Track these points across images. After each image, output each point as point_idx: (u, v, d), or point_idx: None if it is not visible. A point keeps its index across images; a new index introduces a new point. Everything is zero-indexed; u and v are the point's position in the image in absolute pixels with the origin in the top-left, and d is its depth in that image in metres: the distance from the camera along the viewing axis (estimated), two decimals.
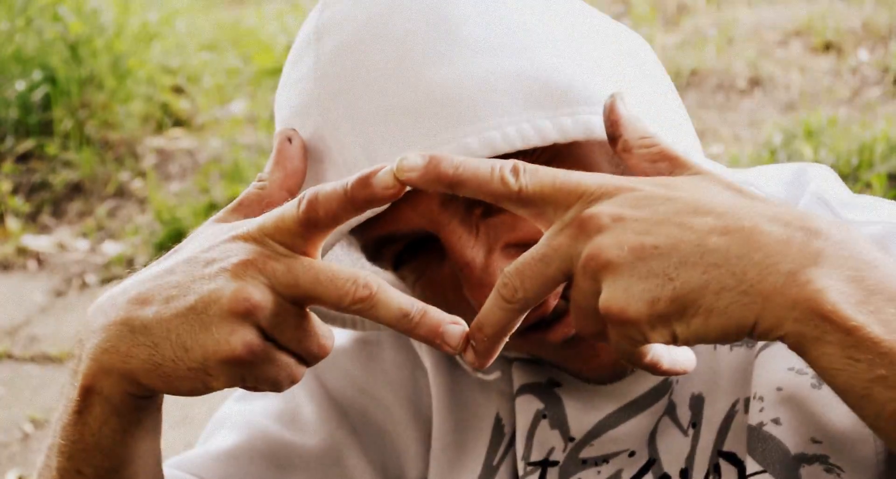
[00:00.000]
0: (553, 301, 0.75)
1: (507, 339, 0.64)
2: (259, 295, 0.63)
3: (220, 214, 0.73)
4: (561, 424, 0.83)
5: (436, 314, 0.63)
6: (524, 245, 0.69)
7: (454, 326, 0.63)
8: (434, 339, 0.63)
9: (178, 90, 4.45)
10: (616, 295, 0.58)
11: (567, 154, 0.73)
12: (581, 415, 0.83)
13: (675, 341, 0.59)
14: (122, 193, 3.85)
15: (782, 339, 0.58)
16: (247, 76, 4.51)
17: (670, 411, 0.82)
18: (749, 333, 0.58)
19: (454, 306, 0.76)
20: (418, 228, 0.75)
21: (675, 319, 0.58)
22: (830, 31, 4.16)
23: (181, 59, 4.56)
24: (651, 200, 0.60)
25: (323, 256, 0.71)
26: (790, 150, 3.20)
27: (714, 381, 0.80)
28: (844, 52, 4.05)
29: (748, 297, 0.56)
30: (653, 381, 0.82)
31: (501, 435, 0.85)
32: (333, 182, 0.64)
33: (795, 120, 3.44)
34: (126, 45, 4.35)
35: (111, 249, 3.55)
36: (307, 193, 0.64)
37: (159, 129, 4.23)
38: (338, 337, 0.92)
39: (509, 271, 0.61)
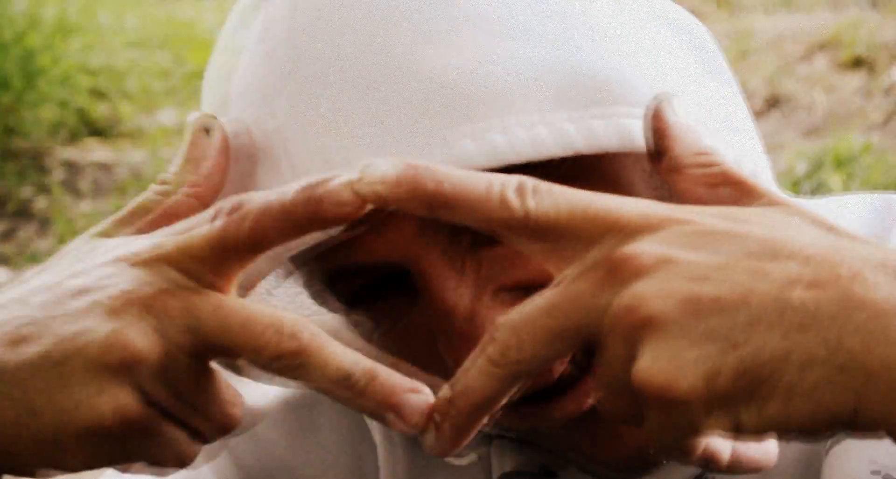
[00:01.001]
0: (559, 368, 0.69)
1: (486, 418, 0.56)
2: (143, 342, 0.57)
3: (102, 225, 0.66)
4: None
5: (389, 379, 0.57)
6: (526, 289, 0.63)
7: (414, 395, 0.57)
8: (385, 412, 0.57)
9: (97, 94, 4.50)
10: (659, 365, 0.51)
11: (593, 170, 0.68)
12: None
13: (739, 430, 0.53)
14: (22, 211, 3.89)
15: (892, 434, 0.53)
16: (179, 79, 4.60)
17: None
18: (847, 424, 0.52)
19: (426, 366, 0.69)
20: (384, 259, 0.69)
21: (741, 401, 0.52)
22: (861, 45, 4.31)
23: (103, 57, 4.63)
24: (711, 238, 0.54)
25: (247, 291, 0.65)
26: (816, 180, 3.31)
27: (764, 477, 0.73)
28: (877, 69, 4.19)
29: (846, 375, 0.52)
30: (681, 476, 0.76)
31: None
32: (267, 191, 0.58)
33: (822, 146, 3.56)
34: (38, 40, 4.40)
35: (2, 276, 3.56)
36: (227, 202, 0.58)
37: (72, 138, 4.27)
38: (258, 397, 0.83)
39: (502, 324, 0.55)
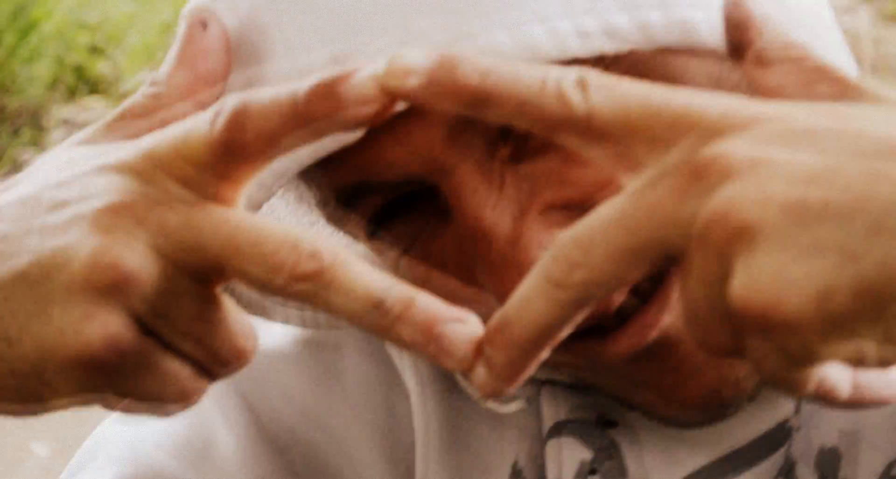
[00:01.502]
0: (619, 297, 0.66)
1: (546, 352, 0.52)
2: (135, 261, 0.52)
3: (87, 131, 0.62)
4: None
5: (429, 305, 0.52)
6: (578, 208, 0.60)
7: (459, 325, 0.52)
8: (425, 345, 0.52)
9: (96, 50, 4.48)
10: (761, 283, 0.47)
11: (650, 68, 0.64)
12: (649, 472, 0.74)
13: (861, 359, 0.48)
14: (18, 171, 3.82)
15: None
16: None
17: (787, 471, 0.73)
18: None
19: (460, 296, 0.65)
20: (410, 173, 0.65)
21: (863, 323, 0.47)
22: None
23: (100, 12, 4.60)
24: (812, 136, 0.49)
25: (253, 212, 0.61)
26: None
27: (856, 430, 0.73)
28: None
29: None
30: (764, 424, 0.73)
31: None
32: (275, 88, 0.53)
33: None
34: None
35: None
36: (229, 101, 0.53)
37: (71, 96, 4.26)
38: (276, 338, 0.82)
39: (566, 241, 0.50)
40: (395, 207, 0.68)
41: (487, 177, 0.64)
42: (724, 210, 0.47)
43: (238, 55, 0.65)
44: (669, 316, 0.66)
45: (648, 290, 0.66)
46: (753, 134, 0.49)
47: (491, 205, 0.64)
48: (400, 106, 0.52)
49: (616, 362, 0.67)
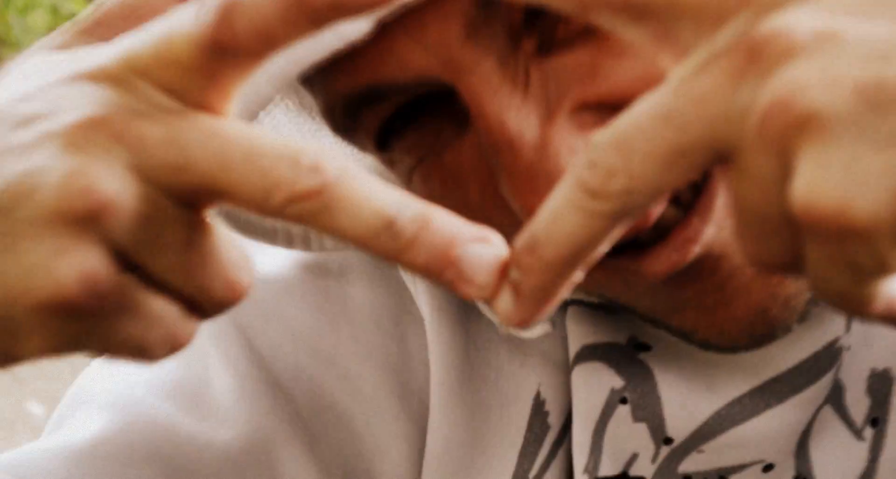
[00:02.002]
0: (658, 207, 0.63)
1: (580, 273, 0.48)
2: (112, 184, 0.48)
3: (59, 34, 0.58)
4: (651, 414, 0.73)
5: (447, 223, 0.48)
6: (615, 108, 0.55)
7: (481, 246, 0.47)
8: (442, 270, 0.48)
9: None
10: (829, 182, 0.41)
11: None
12: (686, 400, 0.73)
13: None
14: None
15: None
16: None
17: (835, 397, 0.72)
18: None
19: (481, 212, 0.64)
20: (424, 74, 0.61)
21: None
22: None
23: None
24: (888, 3, 0.44)
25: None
26: None
27: None
28: None
29: None
30: (811, 344, 0.71)
31: (545, 428, 0.76)
32: None
33: None
34: None
35: None
36: None
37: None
38: (275, 264, 0.81)
39: (602, 143, 0.46)
40: (408, 114, 0.64)
41: (511, 75, 0.60)
42: (786, 96, 0.42)
43: None
44: (713, 228, 0.62)
45: (689, 199, 0.62)
46: (820, 4, 0.44)
47: (515, 107, 0.60)
48: None
49: (654, 280, 0.64)
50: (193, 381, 0.79)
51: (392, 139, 0.65)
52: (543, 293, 0.47)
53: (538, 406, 0.76)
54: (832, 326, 0.70)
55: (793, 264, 0.44)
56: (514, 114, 0.60)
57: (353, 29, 0.57)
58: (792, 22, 0.42)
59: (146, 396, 0.77)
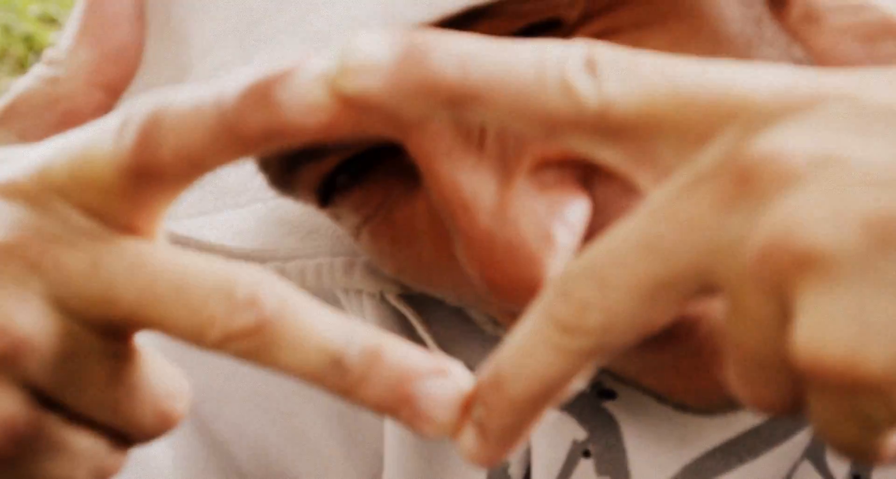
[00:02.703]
0: None
1: (552, 411, 0.47)
2: (28, 320, 0.45)
3: None
4: (617, 468, 0.71)
5: (400, 357, 0.45)
6: (576, 166, 0.55)
7: (440, 380, 0.45)
8: (397, 409, 0.45)
9: (47, 20, 4.39)
10: (834, 329, 0.38)
11: (646, 26, 0.59)
12: (653, 454, 0.71)
13: None
14: None
15: None
16: None
17: (814, 452, 0.70)
18: None
19: (435, 270, 0.61)
20: (365, 134, 0.58)
21: None
22: None
23: None
24: (892, 119, 0.41)
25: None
26: None
27: None
28: None
29: None
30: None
31: None
32: (195, 88, 0.45)
33: None
34: None
35: None
36: (138, 109, 0.45)
37: (20, 67, 4.18)
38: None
39: (575, 272, 0.43)
40: (352, 168, 0.61)
41: (463, 131, 0.57)
42: (783, 232, 0.39)
43: (153, 23, 0.57)
44: None
45: None
46: (815, 120, 0.40)
47: (469, 167, 0.56)
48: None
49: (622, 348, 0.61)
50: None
51: (335, 195, 0.62)
52: (510, 432, 0.44)
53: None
54: None
55: (795, 408, 0.41)
56: (469, 175, 0.57)
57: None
58: (785, 144, 0.39)
59: None
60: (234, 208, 0.74)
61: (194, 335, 0.44)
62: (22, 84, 0.56)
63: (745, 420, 0.69)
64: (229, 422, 0.76)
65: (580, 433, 0.71)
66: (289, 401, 0.76)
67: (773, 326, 0.39)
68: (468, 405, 0.44)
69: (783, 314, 0.39)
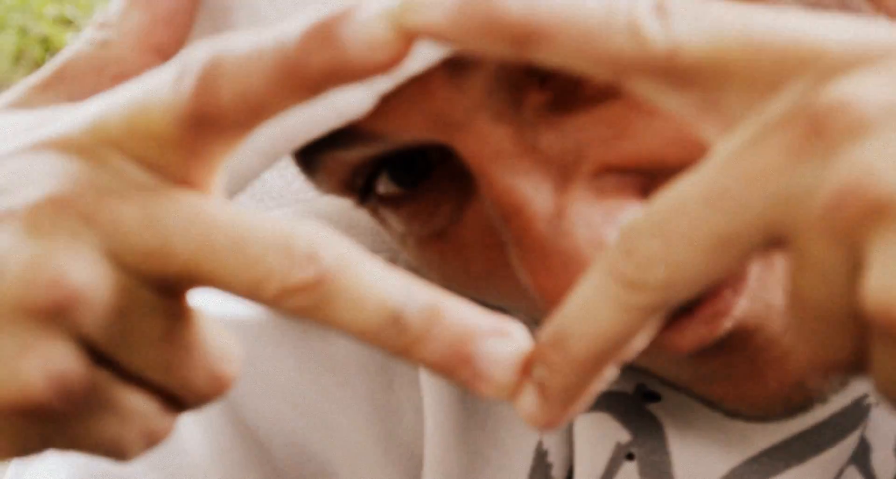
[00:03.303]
0: None
1: (614, 371, 0.45)
2: (83, 272, 0.45)
3: (15, 91, 0.55)
4: (660, 472, 0.70)
5: (460, 316, 0.44)
6: (643, 173, 0.55)
7: (500, 341, 0.44)
8: (456, 369, 0.44)
9: (63, 21, 4.44)
10: None
11: None
12: (698, 457, 0.70)
13: None
14: None
15: None
16: None
17: (861, 458, 0.69)
18: None
19: (486, 282, 0.61)
20: (411, 138, 0.58)
21: None
22: None
23: None
24: None
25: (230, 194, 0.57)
26: None
27: None
28: None
29: None
30: (838, 401, 0.68)
31: None
32: (255, 34, 0.45)
33: None
34: None
35: None
36: (196, 55, 0.45)
37: (38, 69, 4.24)
38: (247, 307, 0.77)
39: (638, 226, 0.42)
40: (396, 168, 0.60)
41: (513, 134, 0.56)
42: (856, 180, 0.38)
43: None
44: (746, 300, 0.59)
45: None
46: (890, 70, 0.40)
47: (524, 171, 0.56)
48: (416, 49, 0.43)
49: (678, 354, 0.61)
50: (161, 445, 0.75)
51: (381, 204, 0.62)
52: (572, 393, 0.43)
53: (540, 458, 0.74)
54: (861, 381, 0.66)
55: (855, 365, 0.41)
56: (524, 178, 0.56)
57: (352, 104, 0.55)
58: (859, 92, 0.39)
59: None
60: (275, 210, 0.74)
61: (251, 290, 0.43)
62: (70, 49, 0.56)
63: (792, 425, 0.69)
64: (266, 418, 0.75)
65: (624, 436, 0.70)
66: (326, 399, 0.75)
67: (841, 276, 0.39)
68: (528, 366, 0.43)
69: (853, 264, 0.39)
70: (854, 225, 0.38)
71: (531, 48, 0.41)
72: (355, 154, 0.59)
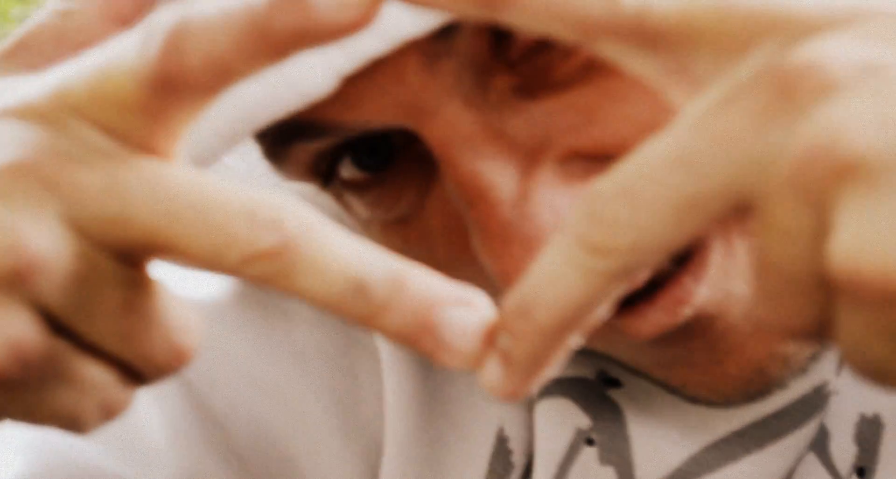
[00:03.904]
0: None
1: (578, 339, 0.45)
2: (43, 239, 0.45)
3: None
4: (620, 458, 0.71)
5: (424, 285, 0.44)
6: (607, 158, 0.52)
7: (464, 310, 0.44)
8: (419, 337, 0.44)
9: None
10: (878, 238, 0.38)
11: None
12: (658, 443, 0.71)
13: None
14: None
15: None
16: None
17: (820, 444, 0.70)
18: None
19: (450, 267, 0.59)
20: (376, 121, 0.58)
21: None
22: None
23: None
24: None
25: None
26: None
27: None
28: None
29: None
30: (798, 388, 0.69)
31: (508, 468, 0.74)
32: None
33: None
34: None
35: None
36: (162, 19, 0.45)
37: None
38: (208, 288, 0.78)
39: (605, 191, 0.42)
40: (362, 151, 0.60)
41: (482, 119, 0.56)
42: (826, 139, 0.38)
43: None
44: (706, 288, 0.59)
45: (681, 251, 0.59)
46: (858, 32, 0.40)
47: (490, 155, 0.56)
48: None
49: (638, 340, 0.61)
50: (119, 418, 0.75)
51: (345, 188, 0.62)
52: (536, 361, 0.43)
53: (500, 444, 0.74)
54: (821, 369, 0.67)
55: (820, 330, 0.41)
56: (489, 163, 0.56)
57: (315, 84, 0.55)
58: (829, 52, 0.39)
59: (67, 436, 0.74)
60: None
61: (214, 257, 0.43)
62: (35, 19, 0.55)
63: (751, 412, 0.69)
64: (226, 400, 0.75)
65: (584, 421, 0.70)
66: (286, 382, 0.76)
67: (808, 238, 0.39)
68: (492, 337, 0.43)
69: (820, 226, 0.38)
70: (823, 185, 0.38)
71: (501, 9, 0.41)
72: (323, 143, 0.59)
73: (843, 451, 0.69)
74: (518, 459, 0.73)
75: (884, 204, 0.36)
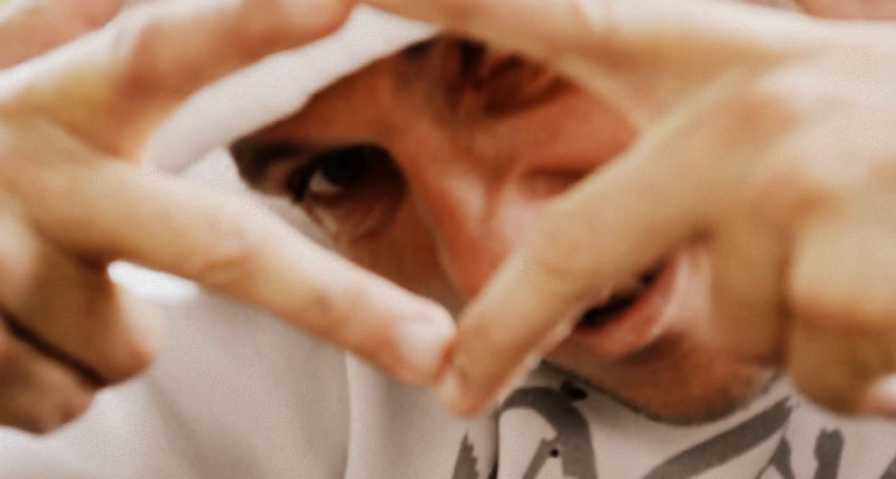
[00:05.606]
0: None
1: (534, 359, 0.45)
2: (4, 240, 0.44)
3: None
4: (584, 469, 0.71)
5: (383, 299, 0.44)
6: (571, 176, 0.54)
7: (423, 325, 0.44)
8: (378, 352, 0.44)
9: None
10: (839, 270, 0.38)
11: None
12: (621, 456, 0.71)
13: None
14: None
15: None
16: None
17: (780, 458, 0.70)
18: None
19: (418, 281, 0.60)
20: (351, 136, 0.58)
21: None
22: None
23: None
24: None
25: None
26: None
27: None
28: None
29: None
30: (759, 404, 0.69)
31: (472, 476, 0.74)
32: (192, 1, 0.45)
33: None
34: None
35: None
36: (134, 19, 0.45)
37: None
38: (174, 290, 0.78)
39: (564, 213, 0.42)
40: (329, 167, 0.61)
41: (450, 136, 0.57)
42: (789, 170, 0.38)
43: None
44: (674, 307, 0.59)
45: (651, 271, 0.59)
46: (822, 64, 0.40)
47: (458, 173, 0.56)
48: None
49: (606, 360, 0.61)
50: (78, 420, 0.74)
51: (316, 203, 0.62)
52: (492, 380, 0.43)
53: (465, 452, 0.74)
54: (782, 384, 0.67)
55: (775, 356, 0.41)
56: (457, 181, 0.57)
57: (284, 100, 0.55)
58: (793, 84, 0.39)
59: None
60: None
61: (175, 263, 0.43)
62: (3, 16, 0.55)
63: (714, 426, 0.70)
64: (191, 401, 0.75)
65: (549, 432, 0.71)
66: (250, 385, 0.75)
67: (766, 266, 0.39)
68: (450, 353, 0.43)
69: (780, 255, 0.39)
70: (785, 215, 0.38)
71: (469, 21, 0.41)
72: (299, 160, 0.59)
73: (804, 465, 0.69)
74: (483, 467, 0.73)
75: (845, 235, 0.37)
